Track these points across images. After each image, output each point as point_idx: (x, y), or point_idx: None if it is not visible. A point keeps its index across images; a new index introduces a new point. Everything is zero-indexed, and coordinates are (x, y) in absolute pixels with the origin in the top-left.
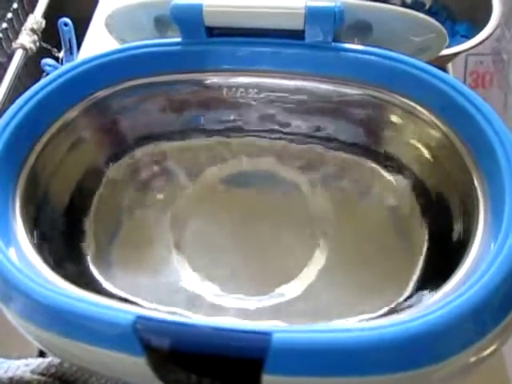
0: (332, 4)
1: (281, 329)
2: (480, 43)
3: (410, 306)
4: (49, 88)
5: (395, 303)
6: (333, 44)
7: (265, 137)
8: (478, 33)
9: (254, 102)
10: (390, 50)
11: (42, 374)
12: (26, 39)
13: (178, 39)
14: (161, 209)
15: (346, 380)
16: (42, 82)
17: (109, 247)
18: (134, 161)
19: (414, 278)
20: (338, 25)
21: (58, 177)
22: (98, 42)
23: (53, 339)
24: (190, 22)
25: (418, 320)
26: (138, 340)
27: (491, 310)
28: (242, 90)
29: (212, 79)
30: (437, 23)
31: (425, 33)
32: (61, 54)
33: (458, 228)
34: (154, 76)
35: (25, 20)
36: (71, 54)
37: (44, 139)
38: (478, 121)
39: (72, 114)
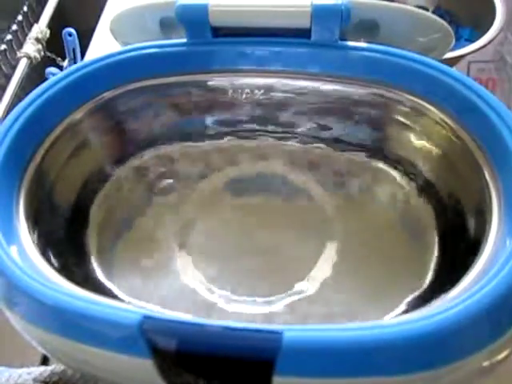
0: (339, 2)
1: (292, 328)
2: (483, 47)
3: (422, 306)
4: (54, 89)
5: (407, 303)
6: (339, 43)
7: (271, 138)
8: (481, 37)
9: (259, 103)
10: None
11: (44, 382)
12: (31, 48)
13: (184, 40)
14: (167, 212)
15: (358, 381)
16: (48, 82)
17: (113, 249)
18: (139, 163)
19: (427, 277)
20: (344, 23)
21: (62, 178)
22: (102, 51)
23: (57, 341)
24: (195, 23)
25: (430, 319)
26: (144, 341)
27: (506, 309)
28: (247, 90)
29: (217, 80)
30: (444, 23)
31: (431, 32)
32: (65, 63)
33: (471, 226)
34: (160, 77)
35: (29, 31)
36: (75, 63)
37: (49, 140)
38: (490, 116)
39: (77, 115)
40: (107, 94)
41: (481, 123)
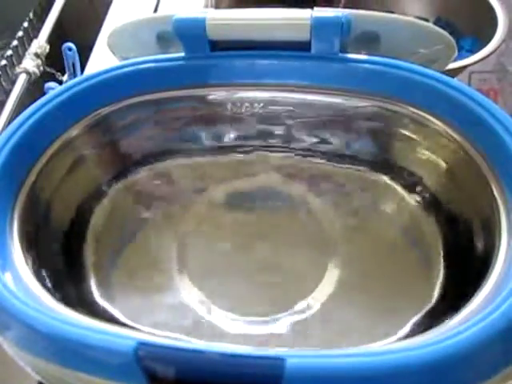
0: (339, 14)
1: (294, 354)
2: (485, 57)
3: (429, 326)
4: (50, 105)
5: (413, 323)
6: (340, 55)
7: (271, 153)
8: (482, 47)
9: (259, 117)
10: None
11: None
12: (30, 63)
13: (182, 54)
14: (165, 228)
15: None
16: (43, 99)
17: (110, 268)
18: (136, 179)
19: (434, 296)
20: (345, 35)
21: (58, 197)
22: (102, 66)
23: (51, 369)
24: (192, 36)
25: (440, 344)
26: (140, 368)
27: None
28: (247, 104)
29: (216, 94)
30: (446, 34)
31: (433, 44)
32: (65, 78)
33: (479, 242)
34: (158, 92)
35: (29, 46)
36: (75, 78)
37: (44, 158)
38: (496, 129)
39: (73, 131)
40: (104, 110)
41: (487, 136)
